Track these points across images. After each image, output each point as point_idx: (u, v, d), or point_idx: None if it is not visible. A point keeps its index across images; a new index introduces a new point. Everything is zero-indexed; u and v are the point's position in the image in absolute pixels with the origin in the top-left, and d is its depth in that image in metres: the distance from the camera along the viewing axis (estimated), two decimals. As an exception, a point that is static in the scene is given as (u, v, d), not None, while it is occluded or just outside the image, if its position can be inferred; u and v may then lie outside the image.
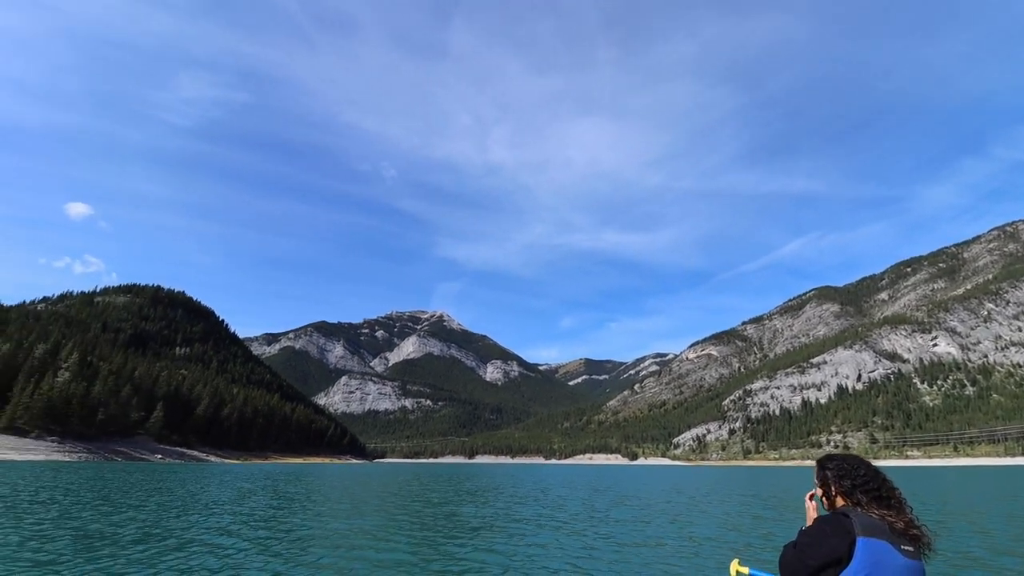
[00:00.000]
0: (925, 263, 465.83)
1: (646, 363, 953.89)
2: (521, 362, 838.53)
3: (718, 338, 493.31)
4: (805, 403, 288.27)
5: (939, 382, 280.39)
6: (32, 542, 8.81)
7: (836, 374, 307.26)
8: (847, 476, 2.06)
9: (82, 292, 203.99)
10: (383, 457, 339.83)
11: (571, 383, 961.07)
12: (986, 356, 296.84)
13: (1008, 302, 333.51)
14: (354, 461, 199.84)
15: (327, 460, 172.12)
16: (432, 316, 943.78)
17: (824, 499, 2.10)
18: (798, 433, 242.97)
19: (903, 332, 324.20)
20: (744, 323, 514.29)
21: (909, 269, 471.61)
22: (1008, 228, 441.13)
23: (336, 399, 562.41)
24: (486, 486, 30.41)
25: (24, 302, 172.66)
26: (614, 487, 30.11)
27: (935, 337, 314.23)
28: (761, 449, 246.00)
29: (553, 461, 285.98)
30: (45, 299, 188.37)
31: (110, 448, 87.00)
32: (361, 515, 14.76)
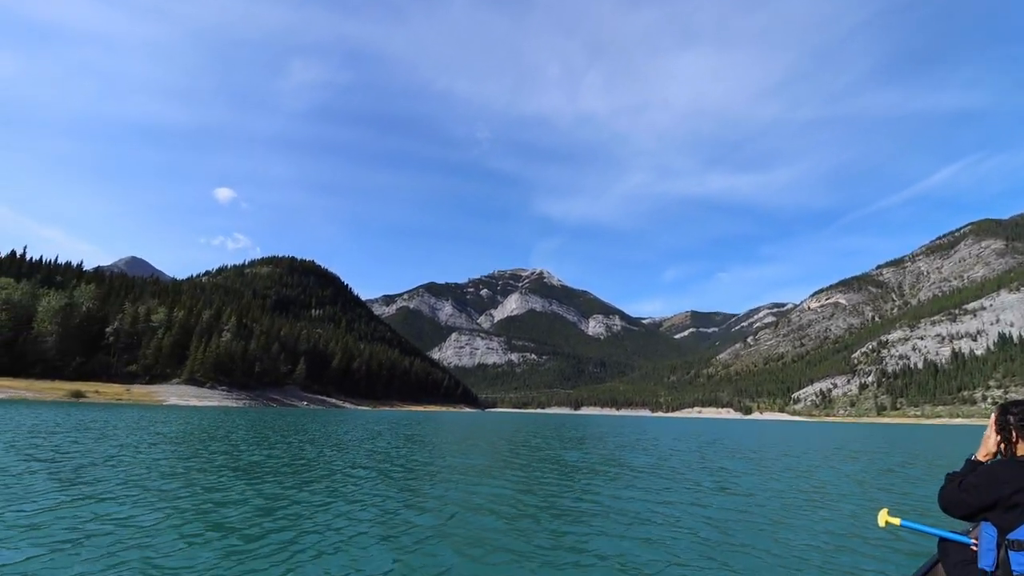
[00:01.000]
0: None
1: (760, 314, 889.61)
2: (623, 316, 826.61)
3: (847, 284, 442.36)
4: (956, 355, 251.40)
5: None
6: (207, 471, 10.89)
7: (997, 321, 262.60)
8: (1012, 417, 1.96)
9: (234, 265, 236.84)
10: (494, 407, 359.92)
11: (676, 337, 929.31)
12: None
13: None
14: (467, 409, 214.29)
15: (443, 408, 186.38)
16: (532, 274, 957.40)
17: (1002, 445, 2.01)
18: (945, 388, 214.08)
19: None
20: (880, 267, 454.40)
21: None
22: None
23: (448, 354, 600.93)
24: (592, 434, 31.21)
25: (192, 276, 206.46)
26: (728, 439, 29.26)
27: None
28: (899, 406, 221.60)
29: (659, 414, 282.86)
30: (207, 272, 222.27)
31: (266, 396, 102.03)
32: (472, 454, 16.10)
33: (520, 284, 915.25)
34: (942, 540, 2.12)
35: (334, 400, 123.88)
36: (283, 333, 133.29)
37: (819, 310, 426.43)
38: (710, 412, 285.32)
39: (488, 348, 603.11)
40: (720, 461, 16.63)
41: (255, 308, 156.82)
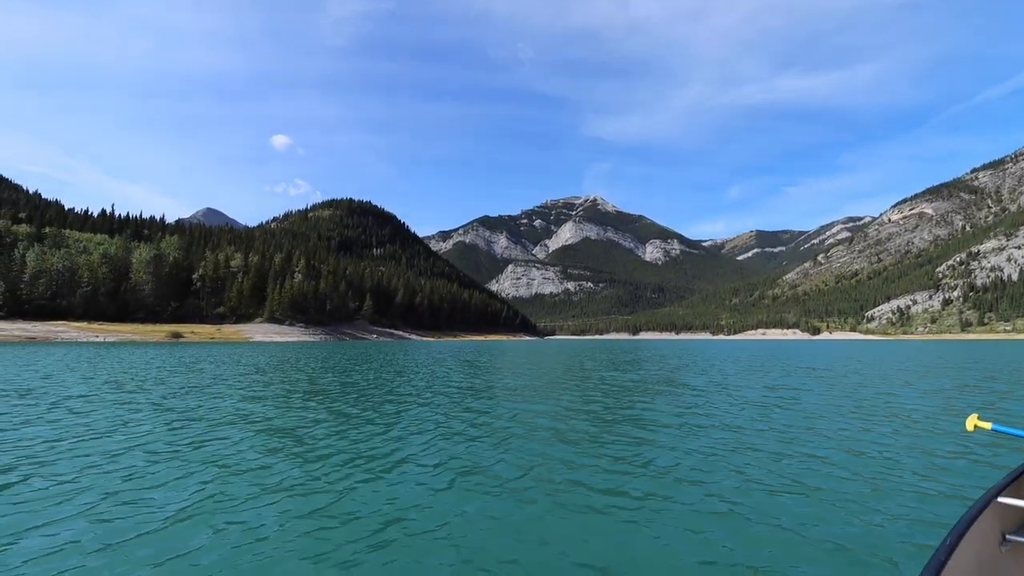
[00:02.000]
0: None
1: (834, 230, 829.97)
2: (682, 239, 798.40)
3: (935, 192, 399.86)
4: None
5: None
6: (297, 393, 12.11)
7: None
8: None
9: (298, 210, 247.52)
10: (552, 335, 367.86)
11: (740, 258, 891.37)
12: None
13: None
14: (527, 338, 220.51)
15: (504, 337, 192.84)
16: (585, 201, 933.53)
17: None
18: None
19: None
20: (975, 170, 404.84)
21: None
22: None
23: (506, 285, 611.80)
24: (647, 356, 31.45)
25: (262, 223, 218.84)
26: (790, 358, 28.62)
27: None
28: (987, 321, 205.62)
29: (721, 337, 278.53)
30: (274, 219, 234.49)
31: (339, 331, 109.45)
32: (528, 377, 16.84)
33: (573, 212, 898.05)
34: None
35: (400, 332, 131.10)
36: (349, 272, 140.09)
37: (901, 222, 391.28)
38: (775, 333, 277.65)
39: (544, 278, 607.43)
40: (781, 379, 16.45)
41: (321, 250, 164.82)
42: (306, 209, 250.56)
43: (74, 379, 14.76)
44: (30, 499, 4.05)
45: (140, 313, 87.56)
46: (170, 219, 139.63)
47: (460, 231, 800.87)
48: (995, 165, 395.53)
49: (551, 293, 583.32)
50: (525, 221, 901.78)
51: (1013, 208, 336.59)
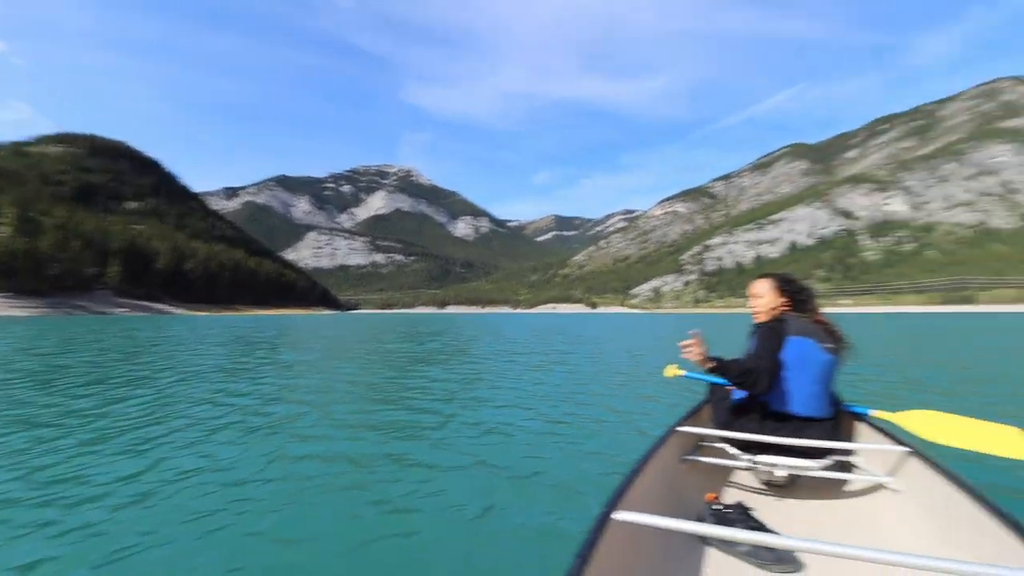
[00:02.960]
0: (901, 120, 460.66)
1: (614, 219, 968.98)
2: (491, 218, 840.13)
3: (687, 195, 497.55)
4: (758, 257, 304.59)
5: (884, 238, 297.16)
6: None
7: (791, 231, 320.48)
8: (789, 284, 2.42)
9: (13, 142, 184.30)
10: (356, 309, 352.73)
11: (540, 239, 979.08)
12: (932, 215, 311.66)
13: (969, 163, 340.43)
14: (326, 312, 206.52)
15: (298, 311, 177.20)
16: (400, 171, 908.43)
17: (762, 310, 2.42)
18: (746, 284, 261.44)
19: (861, 191, 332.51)
20: (714, 180, 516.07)
21: (885, 126, 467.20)
22: (989, 85, 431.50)
23: (305, 254, 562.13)
24: (445, 329, 31.51)
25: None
26: (567, 329, 31.62)
27: (889, 196, 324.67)
28: (711, 299, 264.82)
29: (520, 311, 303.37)
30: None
31: (69, 303, 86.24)
32: (310, 351, 14.94)
33: (387, 181, 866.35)
34: (711, 384, 2.63)
35: (161, 306, 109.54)
36: (88, 228, 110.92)
37: (662, 217, 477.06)
38: (563, 308, 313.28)
39: (351, 248, 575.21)
40: (557, 344, 17.59)
41: (45, 197, 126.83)
42: (25, 142, 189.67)
43: None
44: None
45: None
46: None
47: (251, 190, 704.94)
48: (727, 177, 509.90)
49: (358, 264, 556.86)
50: (331, 185, 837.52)
51: (735, 212, 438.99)
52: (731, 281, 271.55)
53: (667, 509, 1.89)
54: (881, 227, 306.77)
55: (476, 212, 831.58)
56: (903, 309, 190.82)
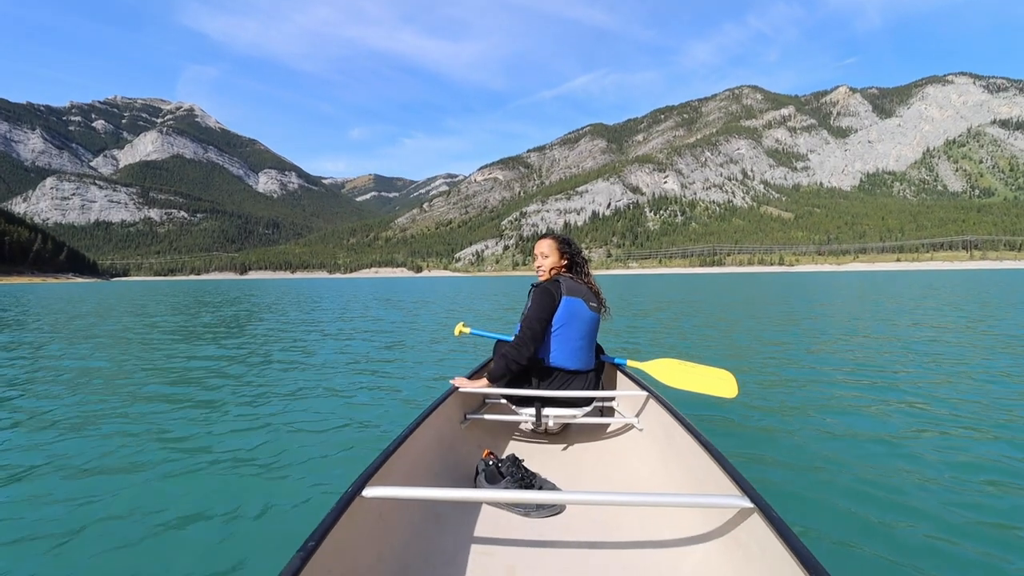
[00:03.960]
0: (675, 112, 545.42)
1: (437, 183, 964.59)
2: (301, 173, 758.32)
3: (505, 163, 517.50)
4: (567, 224, 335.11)
5: (662, 212, 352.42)
6: None
7: (593, 202, 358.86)
8: (569, 246, 2.59)
9: None
10: (125, 275, 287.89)
11: (359, 199, 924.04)
12: (696, 193, 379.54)
13: (720, 152, 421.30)
14: (79, 280, 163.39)
15: (35, 280, 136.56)
16: (178, 109, 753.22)
17: (546, 269, 2.57)
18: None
19: (646, 170, 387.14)
20: (529, 151, 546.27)
21: (663, 116, 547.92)
22: (735, 91, 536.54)
23: (43, 206, 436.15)
24: (237, 298, 25.52)
25: None
26: (387, 294, 28.53)
27: (667, 176, 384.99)
28: (527, 262, 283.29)
29: (337, 275, 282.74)
30: None
31: None
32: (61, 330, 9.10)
33: (160, 120, 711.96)
34: (496, 340, 2.73)
35: None
36: None
37: (483, 183, 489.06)
38: (386, 272, 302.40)
39: (111, 201, 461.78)
40: (370, 310, 14.62)
41: None
42: None
43: None
44: None
45: None
46: None
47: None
48: (540, 149, 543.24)
49: (124, 221, 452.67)
50: (79, 119, 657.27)
51: (547, 183, 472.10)
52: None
53: (441, 472, 1.94)
54: (660, 202, 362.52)
55: (283, 166, 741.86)
56: (672, 271, 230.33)
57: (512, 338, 2.46)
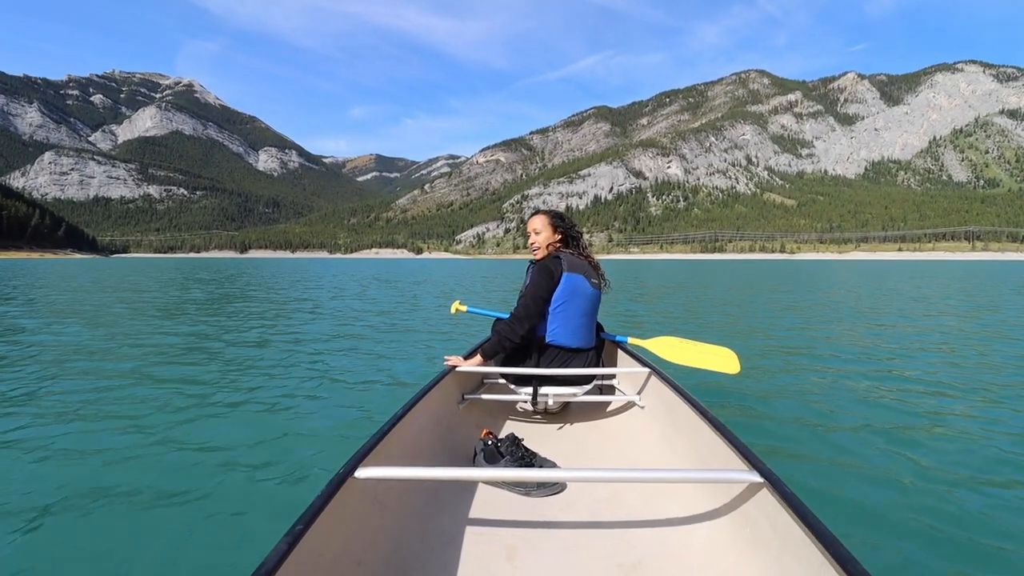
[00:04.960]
0: (680, 96, 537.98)
1: (438, 164, 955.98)
2: (302, 152, 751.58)
3: (507, 145, 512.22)
4: (568, 208, 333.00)
5: (664, 197, 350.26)
6: None
7: (595, 186, 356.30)
8: (562, 221, 2.58)
9: None
10: (125, 252, 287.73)
11: (360, 179, 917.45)
12: (699, 179, 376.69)
13: (725, 138, 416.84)
14: (78, 256, 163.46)
15: (33, 255, 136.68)
16: (177, 84, 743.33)
17: (540, 245, 2.55)
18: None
19: (650, 155, 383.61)
20: (532, 133, 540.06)
21: (668, 99, 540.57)
22: (742, 75, 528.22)
23: (41, 181, 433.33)
24: (236, 274, 25.59)
25: None
26: (387, 275, 28.51)
27: (670, 161, 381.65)
28: (527, 247, 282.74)
29: (338, 255, 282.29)
30: None
31: None
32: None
33: (159, 96, 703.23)
34: (495, 319, 2.68)
35: None
36: None
37: (485, 164, 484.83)
38: (386, 253, 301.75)
39: (111, 177, 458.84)
40: (368, 290, 14.72)
41: None
42: None
43: None
44: None
45: None
46: None
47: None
48: (543, 131, 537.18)
49: (123, 198, 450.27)
50: (77, 93, 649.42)
51: (550, 165, 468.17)
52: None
53: (438, 453, 1.90)
54: (663, 187, 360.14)
55: (284, 144, 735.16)
56: (674, 256, 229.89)
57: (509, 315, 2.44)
